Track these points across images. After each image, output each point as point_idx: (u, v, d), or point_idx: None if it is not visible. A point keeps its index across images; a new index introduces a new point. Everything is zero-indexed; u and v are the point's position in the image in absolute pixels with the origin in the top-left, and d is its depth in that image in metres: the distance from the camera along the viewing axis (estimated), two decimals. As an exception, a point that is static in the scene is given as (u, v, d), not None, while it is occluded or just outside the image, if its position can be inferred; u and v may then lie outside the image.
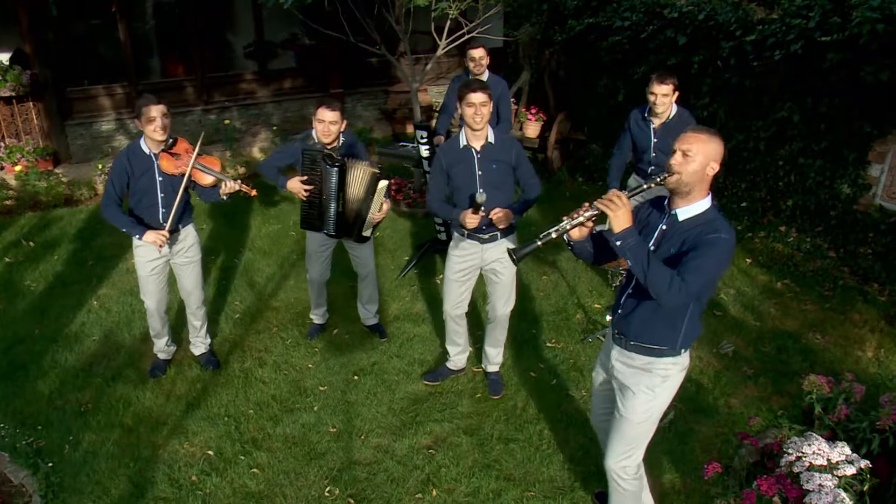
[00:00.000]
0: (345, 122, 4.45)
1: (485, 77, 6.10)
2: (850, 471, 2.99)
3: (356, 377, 4.60)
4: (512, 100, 7.26)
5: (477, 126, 3.81)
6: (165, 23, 10.12)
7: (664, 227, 2.82)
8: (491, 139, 3.92)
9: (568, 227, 2.87)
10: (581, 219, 2.84)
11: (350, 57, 9.12)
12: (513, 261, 3.00)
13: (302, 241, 6.62)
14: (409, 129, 9.37)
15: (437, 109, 9.54)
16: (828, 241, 6.07)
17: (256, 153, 8.54)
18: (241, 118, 8.42)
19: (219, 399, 4.38)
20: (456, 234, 4.17)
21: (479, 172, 3.92)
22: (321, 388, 4.49)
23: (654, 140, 4.79)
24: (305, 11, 7.23)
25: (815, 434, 3.35)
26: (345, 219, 4.45)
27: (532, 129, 8.87)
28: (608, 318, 4.96)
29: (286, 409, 4.30)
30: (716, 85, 6.71)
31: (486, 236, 4.02)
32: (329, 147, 4.37)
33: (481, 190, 3.75)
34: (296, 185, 4.40)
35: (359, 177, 4.33)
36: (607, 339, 3.15)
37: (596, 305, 5.51)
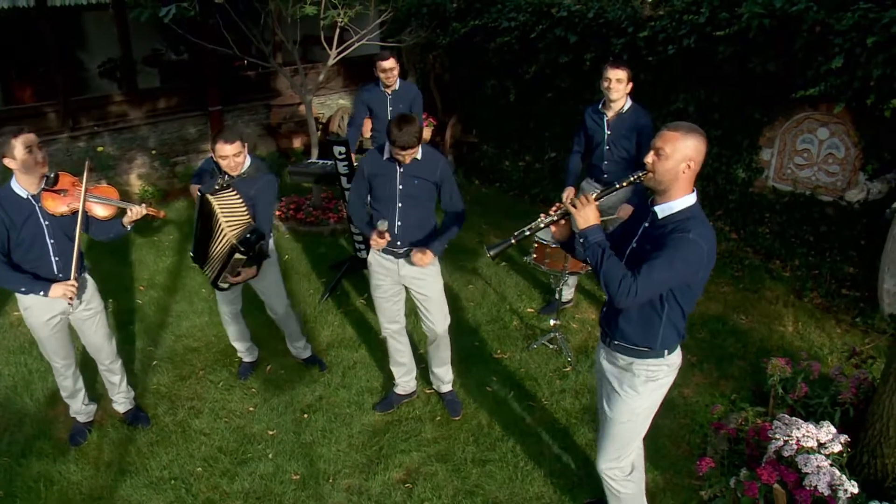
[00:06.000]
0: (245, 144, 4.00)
1: (397, 86, 5.94)
2: (837, 448, 3.12)
3: (305, 415, 4.30)
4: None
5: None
6: (6, 43, 9.14)
7: (646, 225, 2.80)
8: (418, 155, 3.78)
9: (542, 224, 2.94)
10: (553, 217, 2.92)
11: (227, 71, 8.61)
12: (490, 257, 3.05)
13: (208, 273, 6.16)
14: (297, 143, 8.98)
15: (323, 121, 9.26)
16: (729, 224, 6.41)
17: (135, 180, 7.87)
18: (113, 144, 7.68)
19: (158, 460, 3.93)
20: (373, 250, 4.01)
21: (400, 187, 3.81)
22: (271, 433, 4.15)
23: (607, 132, 4.77)
24: (182, 25, 6.72)
25: (786, 416, 3.48)
26: (201, 251, 4.06)
27: (425, 133, 8.78)
28: (552, 322, 4.94)
29: (238, 461, 3.93)
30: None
31: (402, 251, 3.91)
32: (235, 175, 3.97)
33: (384, 220, 3.75)
34: (193, 191, 4.10)
35: (219, 236, 3.82)
36: (600, 339, 3.12)
37: (529, 310, 5.49)
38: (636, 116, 4.72)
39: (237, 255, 3.81)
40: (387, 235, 3.75)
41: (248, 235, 3.76)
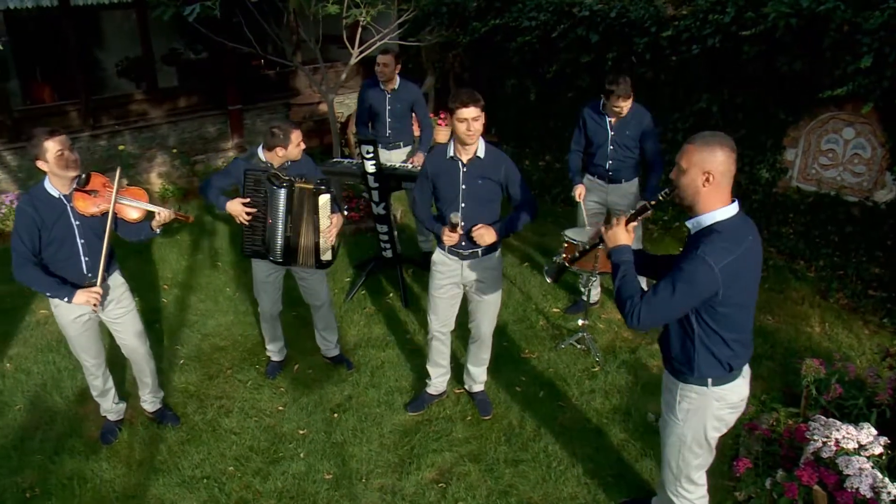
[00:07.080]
0: None
1: (396, 83, 5.93)
2: (878, 450, 3.10)
3: (335, 415, 4.30)
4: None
5: (470, 141, 3.61)
6: (26, 41, 9.17)
7: (686, 240, 2.78)
8: (480, 153, 3.70)
9: (588, 247, 3.18)
10: (596, 241, 3.08)
11: (246, 70, 8.63)
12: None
13: (231, 271, 6.20)
14: (316, 142, 9.00)
15: (342, 121, 9.26)
16: (752, 224, 6.37)
17: (155, 179, 7.90)
18: (134, 142, 7.72)
19: (190, 459, 3.94)
20: (438, 249, 3.99)
21: (464, 186, 3.73)
22: (301, 432, 4.16)
23: (611, 133, 4.81)
24: (203, 23, 6.73)
25: (822, 417, 3.46)
26: (292, 245, 4.14)
27: (443, 135, 8.78)
28: (580, 322, 4.94)
29: (270, 460, 3.94)
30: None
31: (467, 252, 3.86)
32: (276, 167, 4.10)
33: (456, 212, 3.67)
34: (236, 208, 4.07)
35: (297, 196, 4.06)
36: None
37: (554, 310, 5.47)
38: (639, 116, 4.81)
39: (322, 198, 4.05)
40: (459, 230, 3.67)
41: (318, 179, 4.13)
